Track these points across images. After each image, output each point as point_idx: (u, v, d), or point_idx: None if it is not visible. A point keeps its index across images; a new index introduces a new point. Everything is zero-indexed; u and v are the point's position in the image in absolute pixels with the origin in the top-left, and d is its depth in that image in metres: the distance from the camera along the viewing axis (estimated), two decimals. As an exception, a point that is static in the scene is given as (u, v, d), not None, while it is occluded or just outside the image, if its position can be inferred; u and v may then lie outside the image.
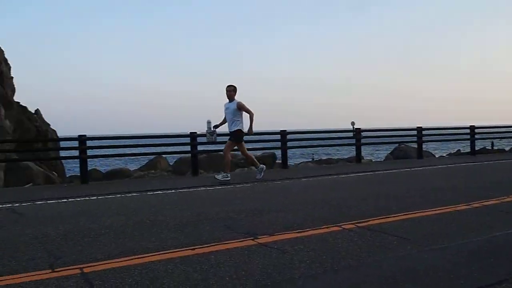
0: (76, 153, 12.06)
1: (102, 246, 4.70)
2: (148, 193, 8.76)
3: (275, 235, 5.02)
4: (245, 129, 10.59)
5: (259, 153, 23.31)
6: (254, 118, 10.50)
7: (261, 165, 11.00)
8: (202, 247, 4.56)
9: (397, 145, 24.10)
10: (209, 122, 10.85)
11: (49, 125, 28.68)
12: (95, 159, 14.10)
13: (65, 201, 7.88)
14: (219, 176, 10.29)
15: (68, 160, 19.62)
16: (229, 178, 10.28)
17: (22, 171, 21.83)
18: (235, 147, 10.88)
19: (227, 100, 10.68)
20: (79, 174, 13.59)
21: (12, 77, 27.41)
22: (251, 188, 9.49)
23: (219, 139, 11.15)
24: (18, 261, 4.25)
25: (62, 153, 21.23)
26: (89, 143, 11.77)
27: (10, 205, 7.49)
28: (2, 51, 27.41)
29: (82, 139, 11.37)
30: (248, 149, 11.24)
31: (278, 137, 14.52)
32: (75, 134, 12.66)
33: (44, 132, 27.22)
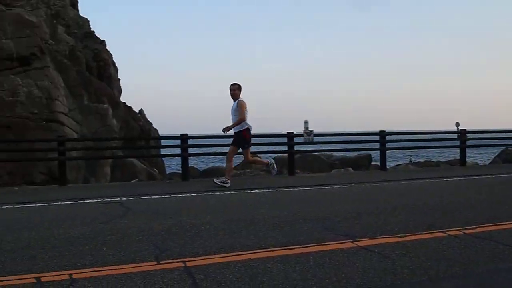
0: (176, 151, 12.60)
1: (203, 242, 4.84)
2: (246, 191, 8.90)
3: (375, 238, 4.88)
4: (251, 129, 9.66)
5: (352, 154, 22.90)
6: (238, 123, 9.40)
7: (270, 161, 10.08)
8: (301, 247, 4.54)
9: (504, 147, 22.54)
10: (306, 122, 10.80)
11: (151, 124, 30.23)
12: (190, 157, 14.57)
13: (168, 197, 8.24)
14: (218, 180, 9.56)
15: (166, 157, 20.44)
16: (228, 185, 9.34)
17: (127, 168, 23.20)
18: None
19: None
20: (177, 172, 14.20)
21: (119, 79, 29.23)
22: (348, 189, 9.32)
23: (316, 139, 11.07)
24: (127, 252, 4.49)
25: (163, 151, 22.25)
26: (189, 141, 12.17)
27: (118, 199, 7.97)
28: (111, 55, 29.29)
29: (184, 137, 11.78)
30: (345, 150, 11.02)
31: (374, 137, 14.11)
32: (172, 133, 13.15)
33: (147, 131, 28.73)
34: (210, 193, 8.62)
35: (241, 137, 9.54)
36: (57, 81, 22.15)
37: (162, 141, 19.42)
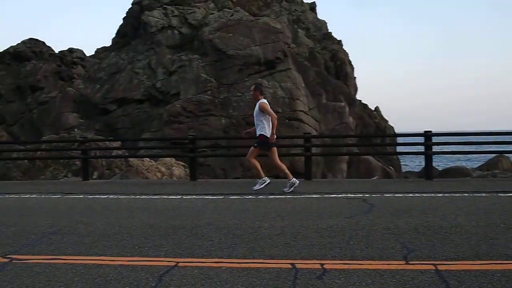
0: (415, 148, 12.24)
1: (454, 246, 4.57)
2: (499, 194, 8.02)
3: None
4: (268, 134, 8.69)
5: None
6: (274, 123, 8.67)
7: (293, 179, 8.69)
8: None
9: None
10: None
11: (387, 121, 30.03)
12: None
13: (411, 196, 7.97)
14: (256, 186, 8.83)
15: (402, 155, 19.87)
16: (267, 182, 8.87)
17: (362, 164, 23.53)
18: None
19: None
20: (414, 170, 13.68)
21: (355, 77, 29.80)
22: None
23: None
24: (374, 249, 4.52)
25: (401, 149, 21.81)
26: (433, 139, 11.53)
27: (361, 195, 8.06)
28: (347, 54, 30.01)
29: (428, 135, 11.20)
30: None
31: None
32: (410, 130, 12.65)
33: (383, 128, 28.64)
34: (457, 194, 8.02)
35: (260, 141, 8.87)
36: (298, 82, 23.75)
37: (399, 138, 19.06)
